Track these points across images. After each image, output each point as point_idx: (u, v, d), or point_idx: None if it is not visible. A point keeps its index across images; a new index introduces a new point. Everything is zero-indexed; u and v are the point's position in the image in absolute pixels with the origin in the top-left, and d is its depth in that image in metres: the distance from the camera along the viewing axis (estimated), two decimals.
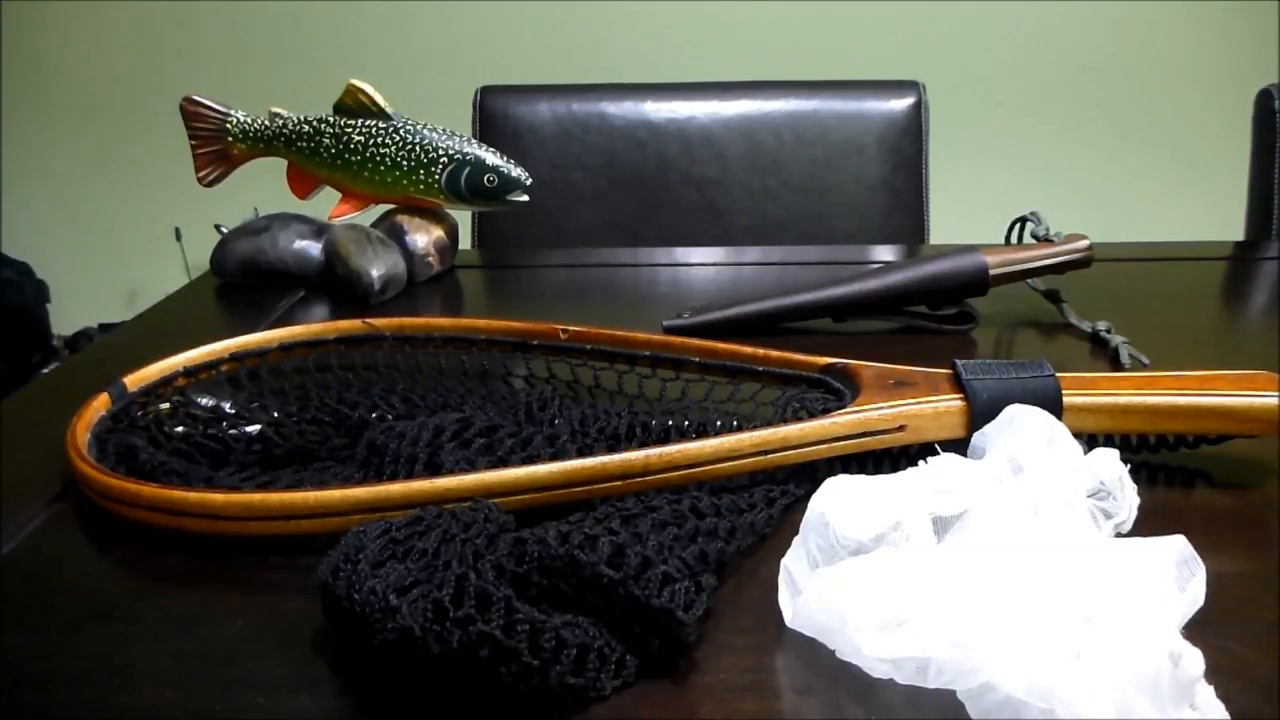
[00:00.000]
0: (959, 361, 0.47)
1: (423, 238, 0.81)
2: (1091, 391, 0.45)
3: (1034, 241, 0.69)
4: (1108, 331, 0.63)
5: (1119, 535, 0.38)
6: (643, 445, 0.45)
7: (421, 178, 0.77)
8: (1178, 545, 0.33)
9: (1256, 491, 0.45)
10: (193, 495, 0.40)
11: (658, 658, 0.33)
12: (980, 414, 0.44)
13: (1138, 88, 2.30)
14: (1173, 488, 0.46)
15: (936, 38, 2.26)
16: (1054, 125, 2.32)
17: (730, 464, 0.42)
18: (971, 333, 0.67)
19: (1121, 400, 0.45)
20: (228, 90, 0.92)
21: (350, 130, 0.78)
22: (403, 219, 0.81)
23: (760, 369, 0.52)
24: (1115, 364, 0.60)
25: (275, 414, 0.49)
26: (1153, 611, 0.32)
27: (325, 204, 0.81)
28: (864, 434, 0.44)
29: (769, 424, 0.44)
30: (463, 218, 0.91)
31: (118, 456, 0.46)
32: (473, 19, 2.32)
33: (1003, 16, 2.26)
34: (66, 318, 2.47)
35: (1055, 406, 0.44)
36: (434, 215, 0.82)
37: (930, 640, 0.31)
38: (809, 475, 0.44)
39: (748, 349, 0.53)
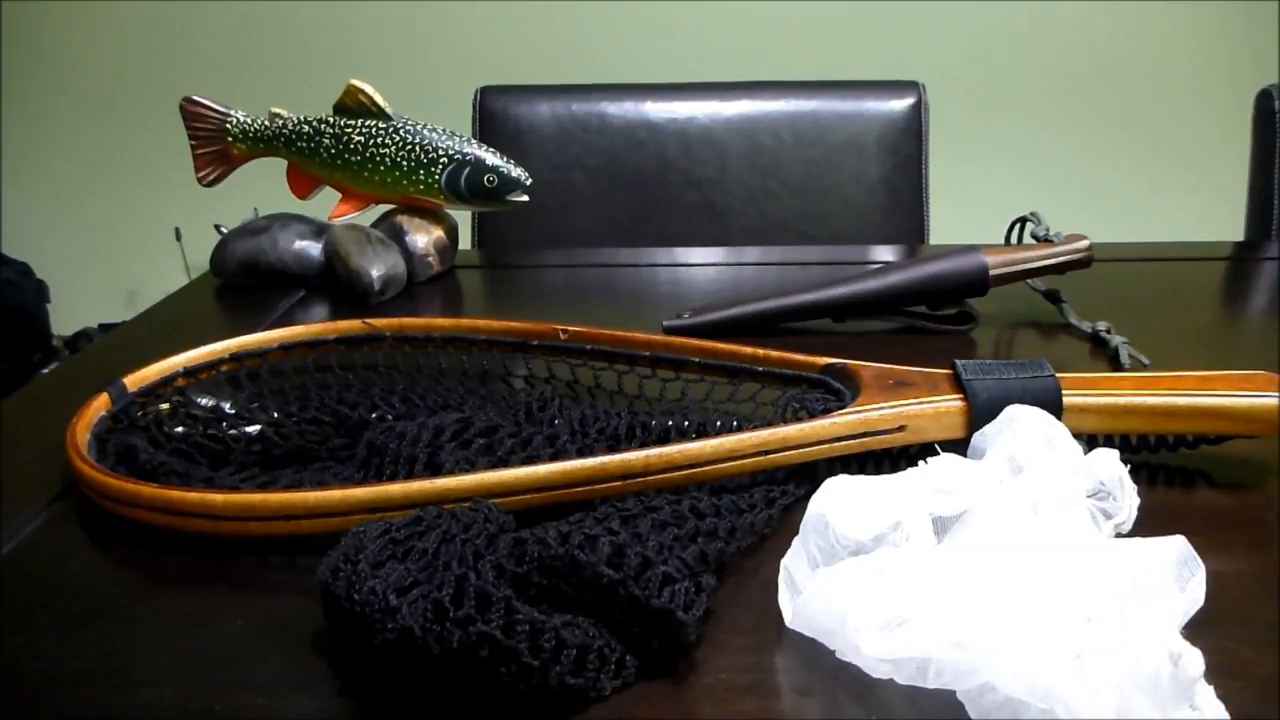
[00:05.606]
0: (959, 362, 0.47)
1: (423, 238, 0.81)
2: (1091, 391, 0.45)
3: (1034, 242, 0.69)
4: (1108, 331, 0.63)
5: (1119, 535, 0.38)
6: (643, 445, 0.45)
7: (421, 178, 0.77)
8: (1178, 545, 0.33)
9: (1256, 491, 0.45)
10: (193, 495, 0.40)
11: (658, 658, 0.33)
12: (980, 414, 0.44)
13: (1137, 88, 2.29)
14: (1173, 488, 0.46)
15: (936, 38, 2.26)
16: (1054, 125, 2.32)
17: (730, 464, 0.42)
18: (971, 333, 0.67)
19: (1121, 400, 0.45)
20: (228, 90, 0.92)
21: (350, 130, 0.78)
22: (403, 219, 0.81)
23: (760, 369, 0.52)
24: (1115, 364, 0.60)
25: (275, 414, 0.49)
26: (1153, 611, 0.32)
27: (325, 204, 0.81)
28: (864, 434, 0.44)
29: (769, 424, 0.44)
30: (463, 218, 0.91)
31: (118, 456, 0.46)
32: (473, 19, 2.32)
33: (1003, 16, 2.26)
34: (66, 318, 2.47)
35: (1055, 407, 0.44)
36: (434, 215, 0.82)
37: (930, 640, 0.31)
38: (809, 475, 0.44)
39: (748, 349, 0.53)
